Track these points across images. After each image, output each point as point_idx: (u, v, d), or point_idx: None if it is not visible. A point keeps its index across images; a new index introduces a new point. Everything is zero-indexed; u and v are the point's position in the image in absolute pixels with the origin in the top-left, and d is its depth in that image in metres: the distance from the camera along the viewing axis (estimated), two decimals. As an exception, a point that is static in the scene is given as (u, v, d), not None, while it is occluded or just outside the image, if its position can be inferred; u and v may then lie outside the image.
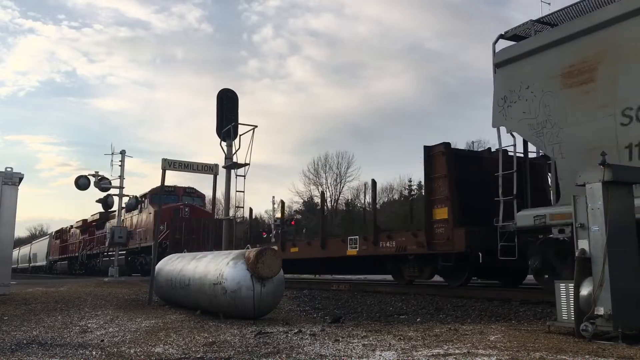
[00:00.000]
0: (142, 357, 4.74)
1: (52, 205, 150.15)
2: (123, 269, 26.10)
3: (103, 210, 24.22)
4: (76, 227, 35.63)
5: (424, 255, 11.67)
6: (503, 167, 9.82)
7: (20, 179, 12.32)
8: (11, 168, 12.29)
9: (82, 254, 32.49)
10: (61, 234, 40.64)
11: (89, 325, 7.13)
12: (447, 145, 11.34)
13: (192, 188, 25.66)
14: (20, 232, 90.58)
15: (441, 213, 11.13)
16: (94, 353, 4.96)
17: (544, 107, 9.10)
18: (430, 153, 11.53)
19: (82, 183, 23.01)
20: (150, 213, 24.02)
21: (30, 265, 48.77)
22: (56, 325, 7.05)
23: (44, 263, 44.26)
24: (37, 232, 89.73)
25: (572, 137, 8.61)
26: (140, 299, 11.41)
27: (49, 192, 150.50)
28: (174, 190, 25.01)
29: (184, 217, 22.48)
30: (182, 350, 5.08)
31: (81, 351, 5.07)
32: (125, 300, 11.32)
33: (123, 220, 26.52)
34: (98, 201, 23.38)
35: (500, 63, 10.03)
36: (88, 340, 5.78)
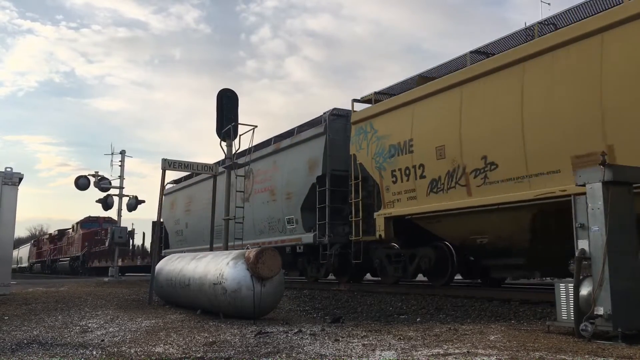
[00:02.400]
0: (143, 356, 4.75)
1: (51, 205, 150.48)
2: (67, 271, 37.75)
3: (105, 209, 25.14)
4: (46, 239, 46.67)
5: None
6: None
7: (20, 179, 12.33)
8: (11, 168, 12.31)
9: (48, 258, 43.94)
10: (38, 242, 51.00)
11: (89, 325, 7.14)
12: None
13: (110, 217, 34.60)
14: (20, 232, 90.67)
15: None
16: (94, 353, 4.97)
17: None
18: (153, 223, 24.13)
19: (81, 183, 23.06)
20: (80, 234, 35.90)
21: (18, 266, 55.17)
22: (56, 325, 7.06)
23: (27, 264, 53.25)
24: (37, 232, 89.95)
25: None
26: (141, 299, 11.42)
27: (48, 192, 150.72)
28: (97, 219, 36.28)
29: (101, 237, 33.04)
30: (183, 350, 5.09)
31: (82, 351, 5.07)
32: (126, 300, 11.33)
33: (70, 237, 39.38)
34: (98, 201, 23.44)
35: None
36: (88, 340, 5.79)
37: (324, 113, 14.55)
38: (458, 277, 13.60)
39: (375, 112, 12.43)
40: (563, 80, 8.39)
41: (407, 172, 11.24)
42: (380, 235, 11.95)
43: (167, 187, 22.84)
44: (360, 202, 12.65)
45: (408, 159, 11.24)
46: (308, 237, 14.28)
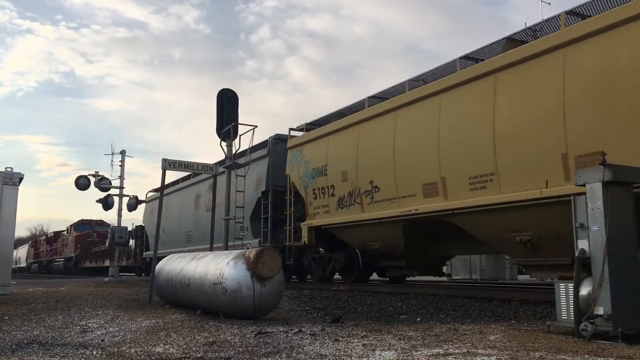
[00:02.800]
0: (143, 356, 4.75)
1: (52, 205, 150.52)
2: (62, 271, 41.35)
3: (106, 209, 25.39)
4: (43, 240, 50.17)
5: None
6: None
7: (21, 179, 12.33)
8: (11, 168, 12.32)
9: (45, 259, 47.63)
10: (35, 243, 54.29)
11: (89, 325, 7.14)
12: (140, 226, 28.02)
13: (101, 220, 41.51)
14: (20, 232, 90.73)
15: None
16: (94, 353, 4.97)
17: None
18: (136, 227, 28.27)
19: (82, 183, 23.04)
20: (73, 236, 39.45)
21: (16, 266, 57.26)
22: (57, 325, 7.06)
23: (25, 265, 55.81)
24: (38, 232, 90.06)
25: None
26: (141, 299, 11.42)
27: (48, 192, 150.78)
28: (89, 222, 40.98)
29: (93, 239, 37.18)
30: (183, 350, 5.09)
31: (82, 351, 5.07)
32: (126, 300, 11.33)
33: (64, 238, 43.32)
34: (98, 201, 23.41)
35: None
36: (88, 340, 5.79)
37: (269, 137, 17.04)
38: (375, 276, 16.70)
39: (304, 140, 15.23)
40: (419, 129, 11.13)
41: (323, 191, 14.09)
42: (304, 241, 14.55)
43: (148, 195, 26.46)
44: (293, 214, 15.24)
45: (324, 180, 14.06)
46: (254, 243, 16.38)
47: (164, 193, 24.26)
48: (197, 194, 21.42)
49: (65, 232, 43.20)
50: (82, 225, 40.23)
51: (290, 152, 15.67)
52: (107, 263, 31.67)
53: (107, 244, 30.14)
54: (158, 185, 15.72)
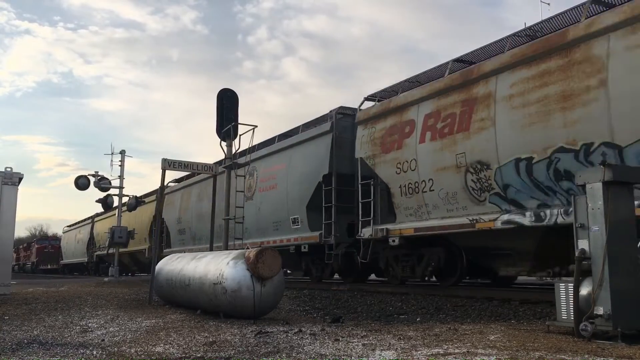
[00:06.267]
0: (143, 356, 4.76)
1: (51, 205, 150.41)
2: (29, 271, 52.67)
3: (105, 208, 25.56)
4: (22, 248, 61.45)
5: None
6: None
7: (20, 179, 12.31)
8: (11, 168, 12.29)
9: (22, 262, 58.80)
10: (17, 250, 65.03)
11: (89, 324, 7.14)
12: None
13: (55, 235, 58.03)
14: (20, 232, 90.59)
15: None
16: (94, 352, 4.97)
17: None
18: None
19: (81, 183, 23.00)
20: (36, 247, 52.60)
21: None
22: (57, 325, 7.06)
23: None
24: (37, 232, 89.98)
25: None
26: (141, 299, 11.41)
27: (47, 192, 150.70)
28: (47, 237, 58.35)
29: (48, 250, 50.62)
30: (183, 349, 5.09)
31: (82, 351, 5.08)
32: (126, 300, 11.32)
33: (31, 248, 55.14)
34: (98, 201, 23.40)
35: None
36: (89, 339, 5.79)
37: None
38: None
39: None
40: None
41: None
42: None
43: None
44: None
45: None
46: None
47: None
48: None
49: (34, 243, 56.86)
50: (42, 240, 56.45)
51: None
52: (49, 266, 48.78)
53: (107, 243, 30.05)
54: (157, 184, 16.48)
